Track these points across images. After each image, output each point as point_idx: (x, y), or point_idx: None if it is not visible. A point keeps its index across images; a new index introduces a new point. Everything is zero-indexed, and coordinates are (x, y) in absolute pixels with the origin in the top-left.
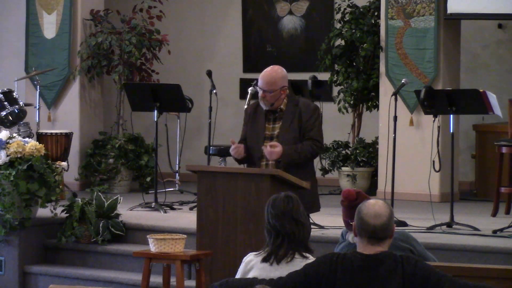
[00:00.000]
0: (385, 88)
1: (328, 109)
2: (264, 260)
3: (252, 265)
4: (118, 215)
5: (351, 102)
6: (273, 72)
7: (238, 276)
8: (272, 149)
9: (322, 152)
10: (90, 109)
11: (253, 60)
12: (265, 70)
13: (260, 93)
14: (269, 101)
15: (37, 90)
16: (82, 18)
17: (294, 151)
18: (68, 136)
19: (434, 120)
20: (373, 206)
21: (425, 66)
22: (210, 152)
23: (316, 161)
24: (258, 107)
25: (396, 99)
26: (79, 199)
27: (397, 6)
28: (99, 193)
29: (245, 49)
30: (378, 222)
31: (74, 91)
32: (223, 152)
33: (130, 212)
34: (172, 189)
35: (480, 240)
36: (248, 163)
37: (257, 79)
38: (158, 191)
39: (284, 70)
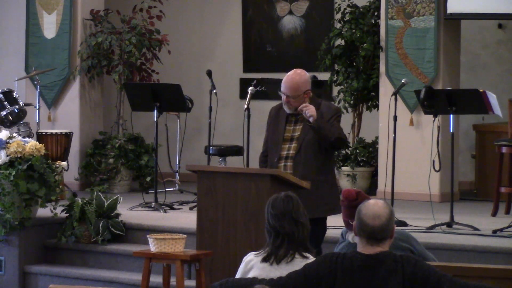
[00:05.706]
0: (385, 88)
1: None
2: (264, 260)
3: (252, 264)
4: (118, 215)
5: (351, 102)
6: (296, 77)
7: (238, 275)
8: (308, 105)
9: (346, 146)
10: (90, 109)
11: (253, 60)
12: (287, 74)
13: (284, 98)
14: (293, 106)
15: (37, 90)
16: (82, 18)
17: (326, 122)
18: (68, 136)
19: (434, 120)
20: (373, 206)
21: (425, 66)
22: (210, 152)
23: None
24: (281, 109)
25: (396, 99)
26: (79, 199)
27: (397, 6)
28: (99, 193)
29: (245, 49)
30: (377, 223)
31: (74, 91)
32: (223, 152)
33: (130, 212)
34: (172, 189)
35: (480, 240)
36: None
37: (256, 79)
38: (158, 191)
39: (307, 73)
